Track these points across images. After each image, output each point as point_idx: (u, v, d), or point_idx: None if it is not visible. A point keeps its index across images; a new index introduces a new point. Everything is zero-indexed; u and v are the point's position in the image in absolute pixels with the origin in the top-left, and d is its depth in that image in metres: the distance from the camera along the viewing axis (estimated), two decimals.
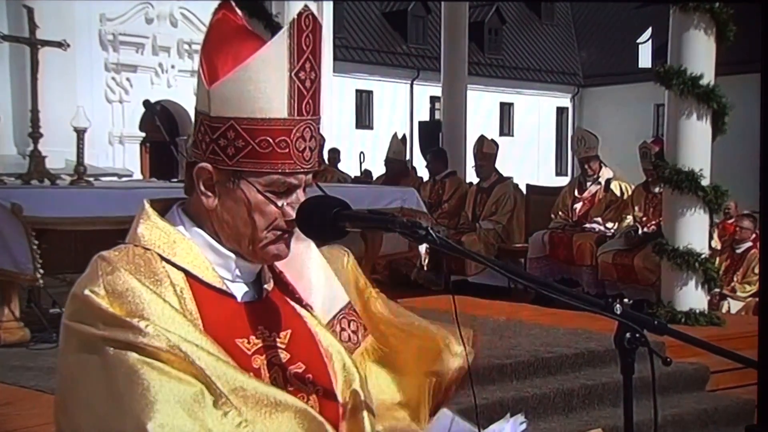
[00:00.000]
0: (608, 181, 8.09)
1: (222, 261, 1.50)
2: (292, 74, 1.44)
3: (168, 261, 1.46)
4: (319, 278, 1.62)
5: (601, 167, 8.17)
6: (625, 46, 30.60)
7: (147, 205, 1.52)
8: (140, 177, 17.37)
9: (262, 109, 1.43)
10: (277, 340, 1.51)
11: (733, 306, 8.77)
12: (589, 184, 8.15)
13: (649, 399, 1.48)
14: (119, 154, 19.49)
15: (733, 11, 6.70)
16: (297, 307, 1.58)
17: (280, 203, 1.46)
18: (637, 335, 1.37)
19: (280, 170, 1.45)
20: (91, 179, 6.36)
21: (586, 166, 8.16)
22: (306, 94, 1.46)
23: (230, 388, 1.37)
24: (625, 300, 7.33)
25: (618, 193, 8.02)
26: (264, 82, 1.43)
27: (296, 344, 1.52)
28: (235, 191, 1.46)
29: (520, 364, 5.21)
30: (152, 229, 1.49)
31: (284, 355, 1.50)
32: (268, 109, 1.43)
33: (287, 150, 1.45)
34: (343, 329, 1.59)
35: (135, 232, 1.49)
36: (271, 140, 1.44)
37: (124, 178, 13.50)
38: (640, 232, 7.47)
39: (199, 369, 1.35)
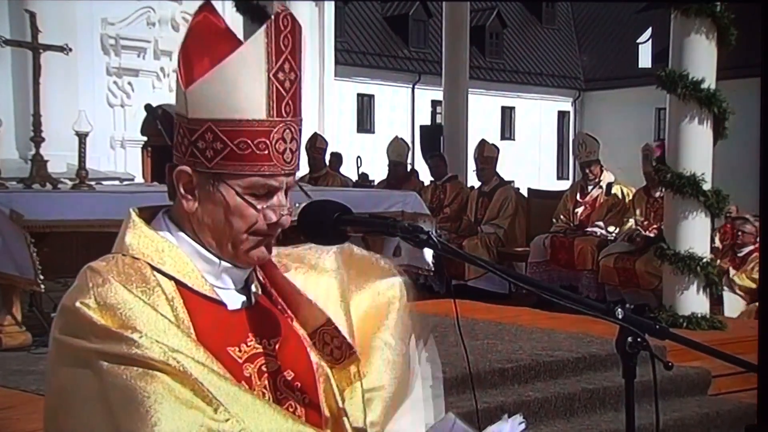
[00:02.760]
0: (609, 185, 8.09)
1: (210, 268, 1.48)
2: (270, 75, 1.42)
3: (158, 270, 1.44)
4: (304, 291, 1.59)
5: (602, 171, 8.17)
6: (626, 50, 30.63)
7: (133, 214, 1.50)
8: (142, 181, 17.36)
9: (240, 111, 1.41)
10: (268, 347, 1.49)
11: (731, 306, 8.77)
12: (590, 188, 8.15)
13: (651, 403, 1.47)
14: (121, 158, 19.48)
15: (735, 15, 6.70)
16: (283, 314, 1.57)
17: (260, 206, 1.44)
18: (639, 339, 1.37)
19: (259, 172, 1.43)
20: (92, 183, 6.36)
21: (587, 171, 8.16)
22: (285, 95, 1.44)
23: (224, 399, 1.35)
24: (627, 305, 7.31)
25: (619, 196, 8.02)
26: (241, 83, 1.41)
27: (286, 351, 1.51)
28: (215, 194, 1.44)
29: (521, 368, 5.20)
30: (140, 237, 1.47)
31: (274, 363, 1.49)
32: (246, 110, 1.41)
33: (266, 152, 1.42)
34: (326, 342, 1.56)
35: (123, 242, 1.47)
36: (249, 142, 1.42)
37: (126, 182, 13.50)
38: (643, 233, 7.46)
39: (194, 379, 1.33)
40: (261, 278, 1.58)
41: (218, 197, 1.44)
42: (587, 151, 8.14)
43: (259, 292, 1.55)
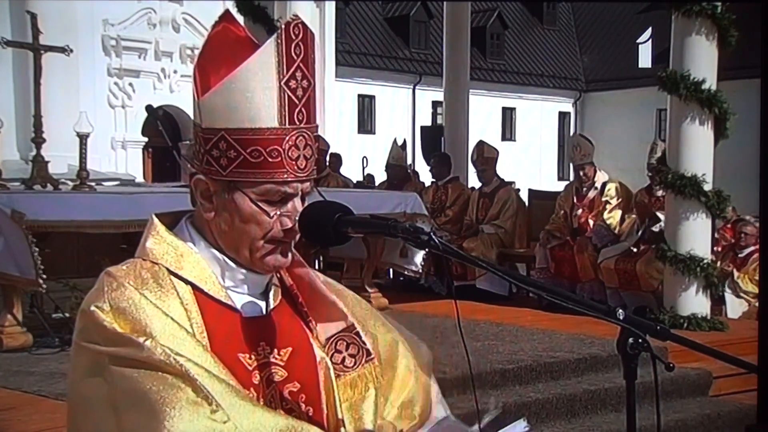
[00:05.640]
0: (604, 184, 8.02)
1: (228, 274, 1.51)
2: (282, 83, 1.43)
3: (175, 275, 1.47)
4: (327, 297, 1.61)
5: (596, 172, 8.11)
6: (626, 51, 30.62)
7: (155, 220, 1.52)
8: (143, 182, 17.37)
9: (252, 119, 1.43)
10: (277, 357, 1.51)
11: (733, 307, 8.77)
12: (585, 189, 8.09)
13: (652, 404, 1.47)
14: (122, 159, 19.51)
15: (735, 16, 6.70)
16: (302, 322, 1.58)
17: (273, 213, 1.46)
18: (640, 340, 1.37)
19: (272, 179, 1.44)
20: (93, 184, 6.36)
21: (582, 173, 8.10)
22: (298, 103, 1.45)
23: (224, 404, 1.36)
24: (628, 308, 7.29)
25: (614, 193, 7.92)
26: (252, 92, 1.42)
27: (295, 362, 1.53)
28: (230, 202, 1.46)
29: (522, 368, 5.20)
30: (161, 243, 1.49)
31: (282, 373, 1.51)
32: (258, 118, 1.43)
33: (279, 159, 1.44)
34: (338, 351, 1.57)
35: (144, 247, 1.50)
36: (262, 150, 1.43)
37: (127, 183, 13.50)
38: (654, 228, 7.43)
39: (197, 382, 1.35)
40: (287, 281, 1.59)
41: (233, 205, 1.46)
42: (582, 153, 8.08)
43: (278, 299, 1.56)
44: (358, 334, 1.58)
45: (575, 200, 8.14)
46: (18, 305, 5.35)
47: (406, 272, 7.47)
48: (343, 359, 1.57)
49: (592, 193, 8.05)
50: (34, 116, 6.44)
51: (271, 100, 1.43)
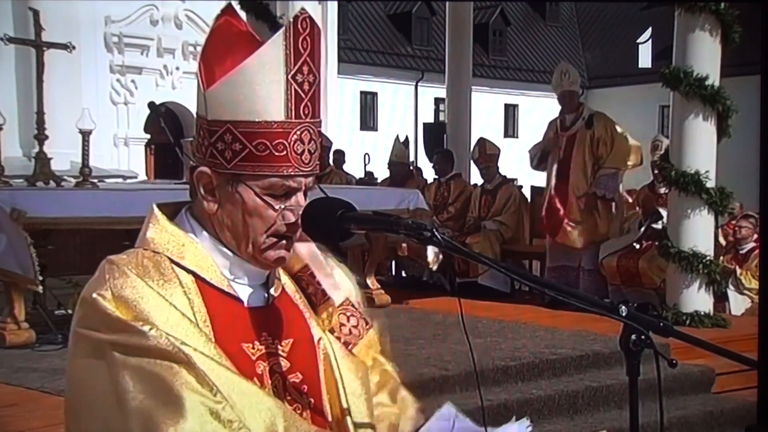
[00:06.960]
0: (591, 117, 7.53)
1: (229, 264, 1.51)
2: (289, 77, 1.44)
3: (177, 264, 1.47)
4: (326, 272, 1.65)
5: (581, 105, 7.73)
6: (629, 48, 30.55)
7: (156, 210, 1.52)
8: (145, 179, 17.38)
9: (258, 112, 1.43)
10: (279, 348, 1.52)
11: (737, 304, 8.77)
12: (569, 121, 7.58)
13: (655, 401, 1.47)
14: (124, 155, 19.50)
15: (739, 12, 6.68)
16: (305, 312, 1.59)
17: (278, 207, 1.46)
18: (643, 337, 1.37)
19: (277, 173, 1.45)
20: (96, 181, 6.38)
21: (567, 100, 7.62)
22: (304, 97, 1.46)
23: (228, 393, 1.38)
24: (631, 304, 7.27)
25: (603, 131, 7.44)
26: (259, 85, 1.43)
27: (297, 354, 1.54)
28: (234, 195, 1.46)
29: (524, 365, 5.20)
30: (161, 233, 1.50)
31: (285, 364, 1.52)
32: (264, 112, 1.43)
33: (285, 153, 1.44)
34: (342, 324, 1.61)
35: (144, 237, 1.50)
36: (268, 143, 1.44)
37: (129, 180, 13.51)
38: (656, 224, 7.39)
39: (201, 372, 1.36)
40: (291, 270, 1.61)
41: (237, 198, 1.46)
42: (570, 80, 7.63)
43: (279, 290, 1.57)
44: (353, 304, 1.64)
45: (559, 130, 7.66)
46: (21, 302, 5.35)
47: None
48: (350, 331, 1.62)
49: (578, 124, 7.55)
50: (36, 113, 6.44)
51: (277, 94, 1.44)
